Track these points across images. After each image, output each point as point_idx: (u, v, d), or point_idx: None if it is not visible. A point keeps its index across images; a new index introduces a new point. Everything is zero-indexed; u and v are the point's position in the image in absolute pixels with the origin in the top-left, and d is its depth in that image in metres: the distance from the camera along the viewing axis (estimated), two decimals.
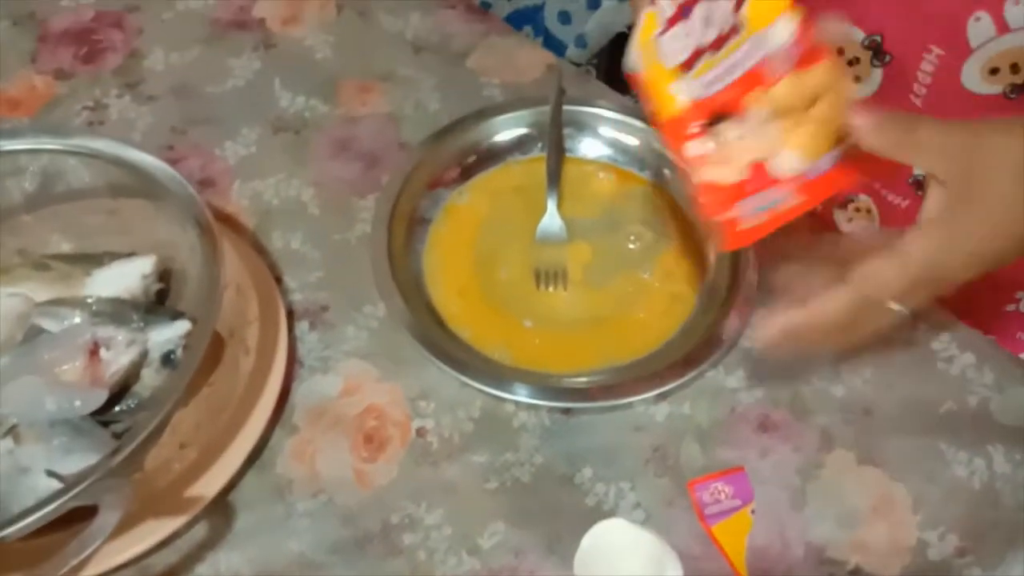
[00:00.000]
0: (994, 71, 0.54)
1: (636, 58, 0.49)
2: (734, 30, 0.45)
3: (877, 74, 0.59)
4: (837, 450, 0.55)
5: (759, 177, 0.45)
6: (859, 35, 0.58)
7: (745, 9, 0.44)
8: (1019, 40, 0.52)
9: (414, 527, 0.52)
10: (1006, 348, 0.59)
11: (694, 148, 0.46)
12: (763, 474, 0.54)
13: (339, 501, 0.53)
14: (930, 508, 0.52)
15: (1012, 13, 0.51)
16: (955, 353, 0.58)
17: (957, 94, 0.56)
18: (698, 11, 0.46)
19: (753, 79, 0.44)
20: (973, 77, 0.55)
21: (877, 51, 0.58)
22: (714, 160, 0.45)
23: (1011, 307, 0.68)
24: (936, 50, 0.55)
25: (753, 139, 0.45)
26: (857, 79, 0.60)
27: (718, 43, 0.45)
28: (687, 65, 0.46)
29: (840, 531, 0.52)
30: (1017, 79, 0.54)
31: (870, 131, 0.42)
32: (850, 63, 0.59)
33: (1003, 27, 0.52)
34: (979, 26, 0.53)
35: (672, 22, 0.48)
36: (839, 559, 0.51)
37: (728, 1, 0.45)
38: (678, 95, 0.46)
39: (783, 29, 0.43)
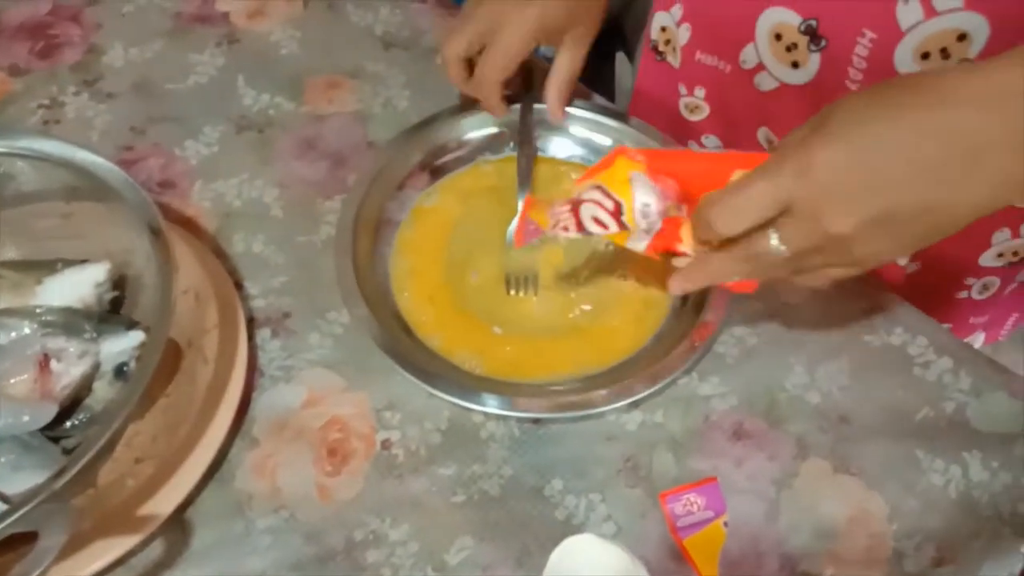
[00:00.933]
0: (925, 55, 0.54)
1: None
2: (617, 207, 0.49)
3: (815, 59, 0.58)
4: (812, 459, 0.53)
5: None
6: (796, 20, 0.57)
7: (607, 189, 0.49)
8: (946, 24, 0.52)
9: (379, 543, 0.51)
10: (959, 334, 0.59)
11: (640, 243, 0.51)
12: (737, 484, 0.52)
13: (301, 517, 0.51)
14: (906, 518, 0.51)
15: None
16: (932, 358, 0.57)
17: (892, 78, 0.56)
18: (587, 221, 0.50)
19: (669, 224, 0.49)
20: (906, 61, 0.55)
21: (813, 36, 0.57)
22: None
23: (963, 294, 0.68)
24: (869, 33, 0.55)
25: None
26: (796, 65, 0.60)
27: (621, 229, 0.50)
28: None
29: (815, 542, 0.51)
30: (949, 64, 0.54)
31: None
32: (788, 49, 0.59)
33: (930, 11, 0.52)
34: (907, 10, 0.53)
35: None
36: (814, 572, 0.50)
37: (599, 193, 0.49)
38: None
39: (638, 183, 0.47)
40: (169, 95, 0.70)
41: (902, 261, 0.66)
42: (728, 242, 0.45)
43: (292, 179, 0.66)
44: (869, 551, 0.50)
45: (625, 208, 0.48)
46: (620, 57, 0.92)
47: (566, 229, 0.51)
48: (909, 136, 0.39)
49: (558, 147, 0.66)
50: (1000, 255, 0.64)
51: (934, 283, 0.67)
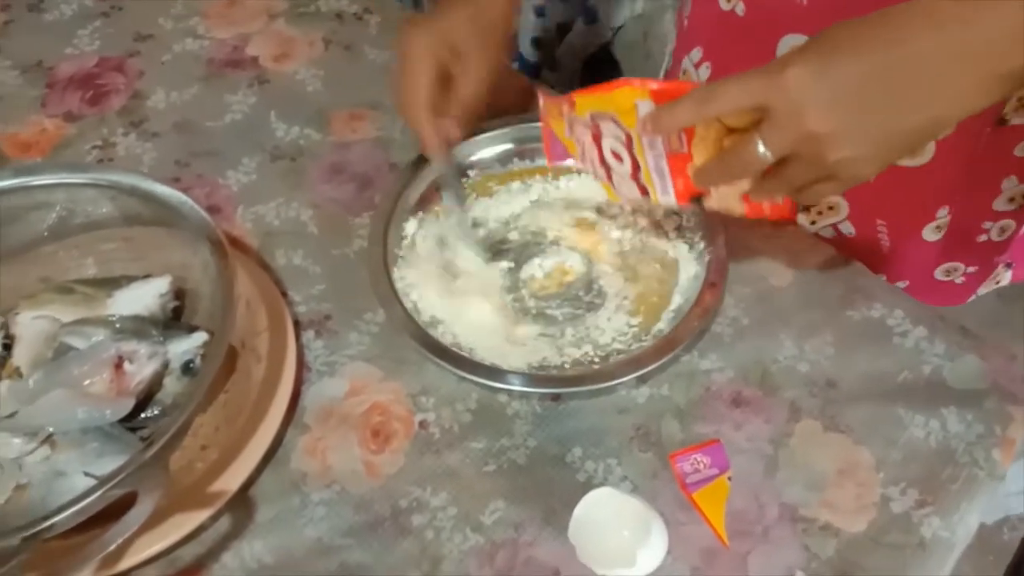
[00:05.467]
0: None
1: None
2: (628, 139, 0.53)
3: None
4: (804, 420, 0.59)
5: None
6: None
7: (618, 119, 0.52)
8: None
9: (422, 509, 0.57)
10: (985, 274, 0.68)
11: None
12: (738, 445, 0.59)
13: (351, 490, 0.58)
14: (891, 467, 0.57)
15: None
16: (908, 328, 0.63)
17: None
18: (607, 154, 0.55)
19: (676, 160, 0.53)
20: None
21: None
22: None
23: (982, 238, 0.74)
24: None
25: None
26: None
27: (635, 164, 0.55)
28: (644, 192, 0.56)
29: (810, 492, 0.57)
30: None
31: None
32: None
33: None
34: None
35: (609, 176, 0.57)
36: (810, 517, 0.56)
37: (613, 124, 0.52)
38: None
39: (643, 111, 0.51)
40: (209, 132, 0.78)
41: (931, 235, 0.72)
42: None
43: (324, 200, 0.73)
44: (858, 497, 0.56)
45: (635, 139, 0.52)
46: None
47: (592, 163, 0.56)
48: (870, 67, 0.45)
49: None
50: (1011, 199, 0.70)
51: (957, 234, 0.73)
